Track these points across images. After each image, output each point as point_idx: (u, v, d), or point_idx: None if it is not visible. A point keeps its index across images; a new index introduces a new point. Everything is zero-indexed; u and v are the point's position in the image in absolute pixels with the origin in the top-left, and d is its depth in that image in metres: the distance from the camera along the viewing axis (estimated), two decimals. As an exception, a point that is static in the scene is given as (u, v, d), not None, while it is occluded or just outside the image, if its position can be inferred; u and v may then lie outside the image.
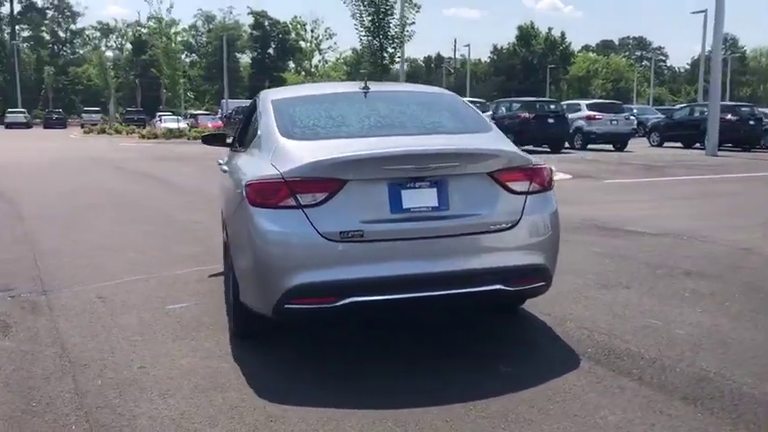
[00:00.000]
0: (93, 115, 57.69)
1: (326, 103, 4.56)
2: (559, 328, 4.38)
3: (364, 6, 17.06)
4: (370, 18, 17.12)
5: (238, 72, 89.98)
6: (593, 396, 3.39)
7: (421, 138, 4.05)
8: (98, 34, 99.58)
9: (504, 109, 23.69)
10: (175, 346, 4.22)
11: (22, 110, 60.83)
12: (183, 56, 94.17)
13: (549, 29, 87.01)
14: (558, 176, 14.43)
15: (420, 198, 3.64)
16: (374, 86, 4.71)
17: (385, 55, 17.54)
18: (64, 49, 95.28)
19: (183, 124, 40.40)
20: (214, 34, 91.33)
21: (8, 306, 5.09)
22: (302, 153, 3.72)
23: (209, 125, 42.37)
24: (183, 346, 4.20)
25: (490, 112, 22.23)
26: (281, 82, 71.35)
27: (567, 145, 23.84)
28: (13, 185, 13.40)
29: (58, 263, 6.54)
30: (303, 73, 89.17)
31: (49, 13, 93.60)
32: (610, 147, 24.37)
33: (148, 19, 48.44)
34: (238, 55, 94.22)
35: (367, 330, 4.43)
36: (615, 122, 23.66)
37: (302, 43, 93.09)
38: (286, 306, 3.59)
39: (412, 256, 3.61)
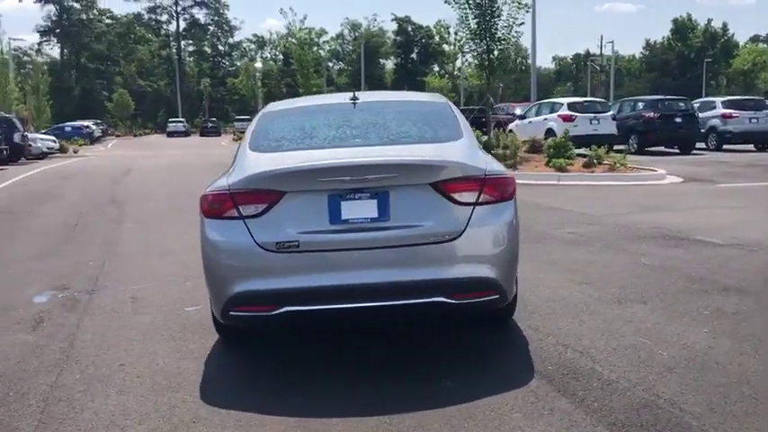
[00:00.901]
0: (245, 123, 61.10)
1: (307, 115, 4.69)
2: (536, 344, 4.21)
3: (470, 9, 16.94)
4: (476, 21, 16.97)
5: (382, 78, 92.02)
6: (518, 416, 3.26)
7: (377, 148, 4.06)
8: (254, 46, 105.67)
9: (628, 108, 22.52)
10: (164, 346, 4.50)
11: (182, 119, 65.95)
12: (329, 64, 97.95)
13: (709, 20, 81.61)
14: (667, 180, 13.68)
15: (359, 209, 3.66)
16: (363, 97, 4.76)
17: (492, 57, 17.30)
18: (223, 61, 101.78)
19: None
20: (359, 42, 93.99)
21: (53, 303, 5.64)
22: (252, 166, 3.87)
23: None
24: (170, 347, 4.47)
25: (612, 112, 21.22)
26: (422, 86, 72.15)
27: (701, 145, 22.29)
28: (134, 190, 14.63)
29: (122, 265, 7.12)
30: (446, 76, 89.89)
31: (210, 28, 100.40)
32: (751, 147, 22.50)
33: (300, 30, 50.30)
34: (382, 61, 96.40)
35: (340, 338, 4.50)
36: (755, 120, 21.74)
37: (445, 46, 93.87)
38: (230, 313, 3.75)
39: (349, 266, 3.64)
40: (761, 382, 3.53)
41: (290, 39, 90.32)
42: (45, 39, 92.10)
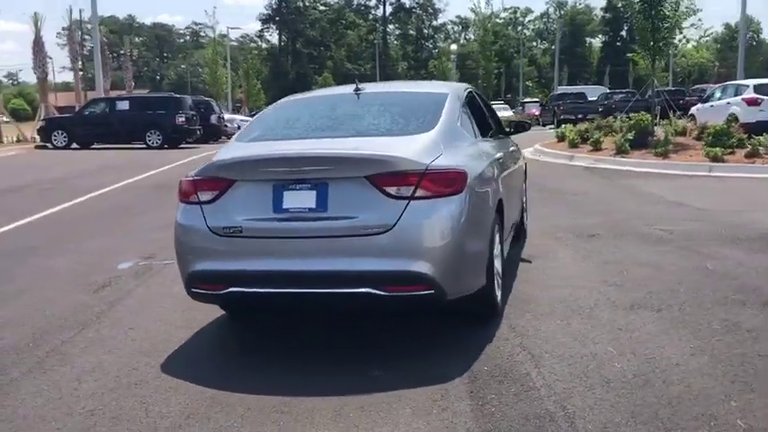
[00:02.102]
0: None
1: (303, 107, 4.90)
2: (497, 343, 4.10)
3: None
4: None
5: (586, 57, 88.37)
6: (407, 412, 3.27)
7: (338, 140, 4.18)
8: (458, 28, 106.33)
9: (731, 91, 19.28)
10: (179, 315, 4.96)
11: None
12: (533, 43, 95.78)
13: None
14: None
15: (299, 199, 3.83)
16: (369, 89, 4.88)
17: (657, 36, 16.02)
18: (426, 44, 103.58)
19: (508, 113, 41.45)
20: (564, 20, 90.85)
21: (131, 270, 6.41)
22: (219, 155, 4.19)
23: (535, 113, 42.67)
24: (183, 317, 4.92)
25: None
26: (627, 65, 68.15)
27: None
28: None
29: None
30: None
31: (416, 11, 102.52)
32: None
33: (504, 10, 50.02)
34: (588, 39, 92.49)
35: (300, 321, 4.72)
36: None
37: (679, 20, 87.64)
38: (192, 290, 4.11)
39: (287, 253, 3.83)
40: (692, 406, 3.20)
41: (496, 19, 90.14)
42: (265, 26, 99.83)
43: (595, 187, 11.41)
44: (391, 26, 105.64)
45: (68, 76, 64.70)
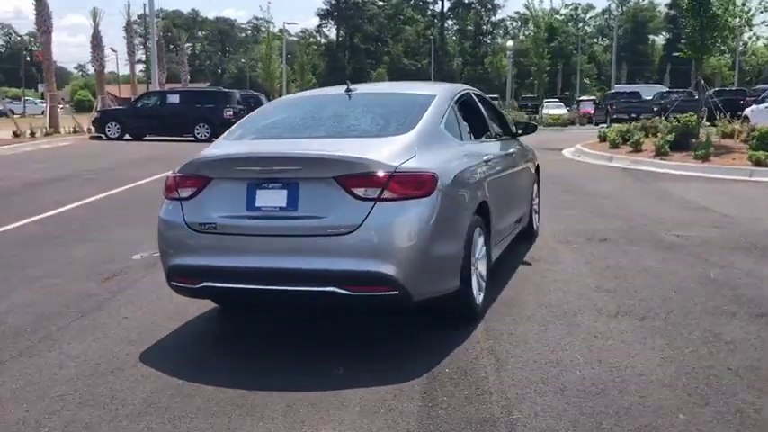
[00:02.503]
0: (493, 102, 61.01)
1: (292, 106, 5.00)
2: (467, 346, 4.11)
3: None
4: (687, -1, 15.40)
5: (648, 55, 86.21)
6: (355, 411, 3.33)
7: (315, 141, 4.27)
8: (518, 24, 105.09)
9: None
10: (173, 307, 5.06)
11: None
12: (594, 40, 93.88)
13: None
14: None
15: (271, 198, 3.92)
16: (361, 89, 4.94)
17: (706, 35, 15.54)
18: (484, 39, 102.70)
19: (562, 111, 40.85)
20: (626, 17, 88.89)
21: (142, 261, 6.62)
22: (201, 153, 4.31)
23: (589, 111, 41.88)
24: (176, 309, 5.04)
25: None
26: (688, 64, 66.15)
27: None
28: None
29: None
30: (727, 54, 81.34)
31: (474, 6, 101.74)
32: None
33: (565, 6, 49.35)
34: (651, 37, 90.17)
35: (282, 315, 4.81)
36: None
37: (729, 19, 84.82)
38: (172, 283, 4.26)
39: (257, 251, 3.93)
40: (638, 417, 3.17)
41: (555, 15, 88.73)
42: (323, 21, 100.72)
43: (626, 190, 11.20)
44: (450, 21, 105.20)
45: (137, 69, 66.75)
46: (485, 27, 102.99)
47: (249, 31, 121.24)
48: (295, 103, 5.21)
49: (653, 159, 14.19)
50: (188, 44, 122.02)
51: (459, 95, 5.18)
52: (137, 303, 5.23)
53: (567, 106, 46.34)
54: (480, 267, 4.69)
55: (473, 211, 4.41)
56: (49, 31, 27.14)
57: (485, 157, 4.95)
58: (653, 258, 6.23)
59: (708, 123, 16.73)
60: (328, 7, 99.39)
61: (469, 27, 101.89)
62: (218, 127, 24.61)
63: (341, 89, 5.06)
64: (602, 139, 17.59)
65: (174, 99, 25.29)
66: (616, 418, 3.17)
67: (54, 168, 15.53)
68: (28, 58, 73.06)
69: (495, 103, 6.49)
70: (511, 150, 6.01)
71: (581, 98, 50.12)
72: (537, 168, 7.25)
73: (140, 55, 59.43)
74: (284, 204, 3.90)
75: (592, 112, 39.62)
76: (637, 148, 15.34)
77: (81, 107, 44.95)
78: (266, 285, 3.94)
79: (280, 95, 37.98)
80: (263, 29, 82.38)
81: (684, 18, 15.96)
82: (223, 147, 4.40)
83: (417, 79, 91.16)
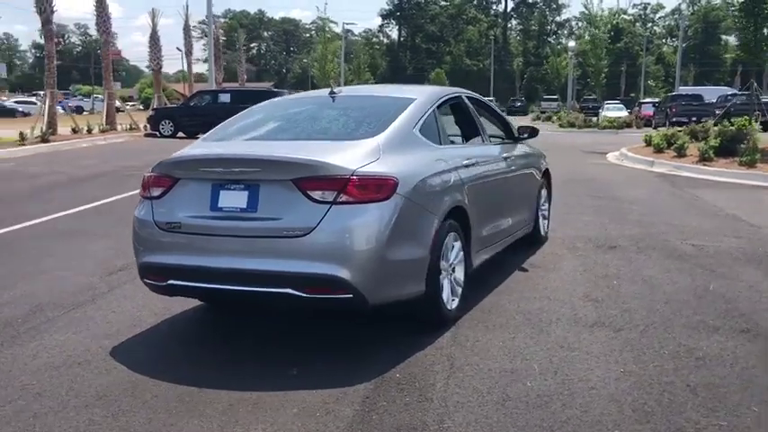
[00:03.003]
0: (552, 103, 60.16)
1: (275, 108, 5.06)
2: (430, 351, 4.08)
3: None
4: (742, -4, 14.80)
5: (719, 56, 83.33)
6: (292, 412, 3.35)
7: (281, 143, 4.32)
8: (584, 24, 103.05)
9: None
10: (161, 303, 5.10)
11: (492, 98, 67.64)
12: (662, 40, 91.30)
13: None
14: None
15: (233, 199, 3.99)
16: (346, 92, 4.97)
17: (759, 36, 14.91)
18: (549, 39, 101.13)
19: (622, 113, 39.86)
20: (696, 17, 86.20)
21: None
22: (175, 153, 4.41)
23: (650, 114, 40.74)
24: (164, 305, 5.08)
25: None
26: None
27: None
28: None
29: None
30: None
31: (538, 6, 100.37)
32: None
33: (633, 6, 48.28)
34: (724, 37, 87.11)
35: (248, 315, 4.86)
36: None
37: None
38: (144, 280, 4.36)
39: (219, 251, 4.00)
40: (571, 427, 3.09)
41: (620, 15, 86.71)
42: (386, 22, 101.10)
43: (657, 196, 10.86)
44: (514, 21, 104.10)
45: (203, 68, 68.59)
46: (549, 27, 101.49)
47: (313, 32, 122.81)
48: (279, 106, 5.28)
49: (695, 165, 13.71)
50: (253, 44, 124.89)
51: (444, 99, 5.14)
52: (130, 298, 5.37)
53: (628, 108, 45.17)
54: (458, 273, 4.66)
55: (442, 216, 4.36)
56: (108, 31, 28.07)
57: (465, 161, 4.88)
58: (657, 268, 6.04)
59: (760, 128, 16.03)
60: (391, 7, 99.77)
61: (533, 27, 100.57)
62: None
63: (325, 92, 5.09)
64: (648, 143, 17.09)
65: (226, 98, 25.79)
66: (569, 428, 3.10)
67: (102, 164, 16.09)
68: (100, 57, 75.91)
69: (494, 105, 6.44)
70: (508, 154, 5.91)
71: (643, 100, 48.84)
72: (545, 173, 7.11)
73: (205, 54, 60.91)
74: (245, 206, 3.95)
75: (651, 114, 38.52)
76: (680, 153, 14.85)
77: (148, 104, 46.40)
78: (227, 285, 4.00)
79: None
80: (327, 29, 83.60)
81: (737, 19, 15.34)
82: (197, 147, 4.50)
83: (477, 79, 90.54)
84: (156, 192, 4.23)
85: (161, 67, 33.08)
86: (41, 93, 29.82)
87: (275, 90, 27.02)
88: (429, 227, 4.23)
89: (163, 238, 4.15)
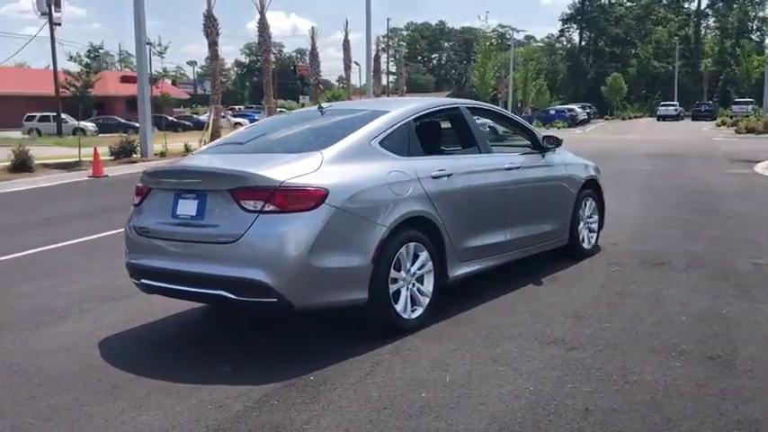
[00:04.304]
0: (746, 107, 54.85)
1: (266, 124, 5.44)
2: (368, 357, 4.17)
3: None
4: None
5: None
6: (187, 404, 3.63)
7: (239, 156, 4.75)
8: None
9: None
10: (162, 303, 5.46)
11: (674, 103, 63.58)
12: None
13: None
14: None
15: (186, 207, 4.38)
16: (335, 106, 5.25)
17: None
18: (750, 37, 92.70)
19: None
20: None
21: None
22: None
23: None
24: (164, 306, 5.36)
25: None
26: None
27: None
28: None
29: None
30: None
31: (737, 2, 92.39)
32: None
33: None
34: None
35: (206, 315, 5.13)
36: None
37: None
38: (131, 279, 4.88)
39: (173, 254, 4.42)
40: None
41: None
42: (566, 26, 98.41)
43: (766, 210, 9.85)
44: (711, 20, 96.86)
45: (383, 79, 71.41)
46: (750, 24, 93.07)
47: (493, 40, 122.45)
48: (272, 120, 5.64)
49: None
50: (435, 54, 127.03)
51: (428, 112, 5.21)
52: (140, 297, 5.54)
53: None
54: (425, 283, 4.70)
55: (392, 226, 4.42)
56: (268, 50, 30.01)
57: (437, 173, 4.87)
58: (686, 287, 5.59)
59: None
60: (572, 11, 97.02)
61: (733, 23, 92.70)
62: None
63: (314, 107, 5.37)
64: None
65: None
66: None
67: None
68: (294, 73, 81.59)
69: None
70: (515, 165, 5.75)
71: None
72: (590, 183, 6.78)
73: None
74: (194, 213, 4.32)
75: None
76: None
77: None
78: (179, 286, 4.40)
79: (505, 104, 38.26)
80: (508, 36, 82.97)
81: None
82: (184, 159, 4.98)
83: (662, 82, 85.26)
84: (137, 200, 4.75)
85: (319, 81, 35.12)
86: (237, 107, 32.27)
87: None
88: (371, 236, 4.31)
89: (138, 241, 4.64)
